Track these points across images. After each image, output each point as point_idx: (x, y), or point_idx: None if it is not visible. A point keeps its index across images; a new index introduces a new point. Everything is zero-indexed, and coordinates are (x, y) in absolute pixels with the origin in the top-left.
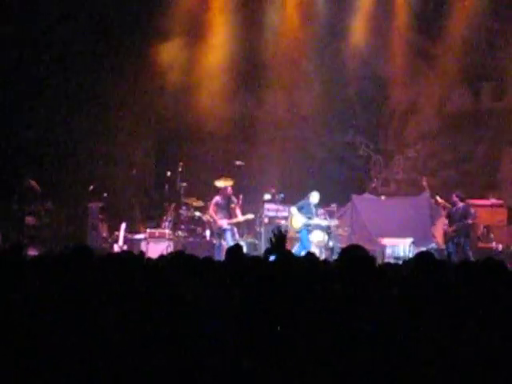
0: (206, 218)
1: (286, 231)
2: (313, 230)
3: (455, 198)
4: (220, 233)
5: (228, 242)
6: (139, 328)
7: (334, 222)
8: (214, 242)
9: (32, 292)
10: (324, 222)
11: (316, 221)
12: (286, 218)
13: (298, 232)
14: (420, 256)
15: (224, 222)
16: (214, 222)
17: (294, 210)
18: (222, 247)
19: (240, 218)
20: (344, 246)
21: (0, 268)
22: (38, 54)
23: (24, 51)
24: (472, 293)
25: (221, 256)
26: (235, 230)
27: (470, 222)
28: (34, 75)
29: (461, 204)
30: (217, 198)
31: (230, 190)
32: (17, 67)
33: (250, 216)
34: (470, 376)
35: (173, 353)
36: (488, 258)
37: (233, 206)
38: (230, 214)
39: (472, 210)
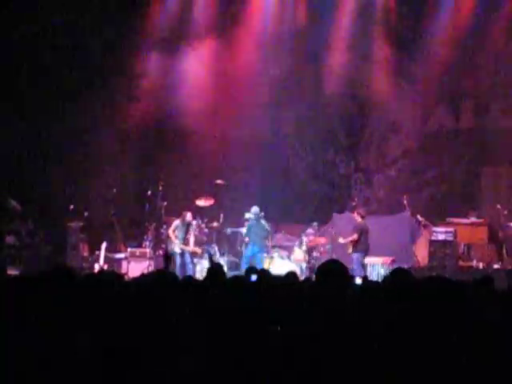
0: (166, 233)
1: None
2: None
3: (356, 215)
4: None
5: (176, 265)
6: (119, 350)
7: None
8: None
9: (11, 312)
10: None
11: None
12: (267, 237)
13: None
14: (395, 272)
15: (177, 247)
16: (170, 242)
17: None
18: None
19: (190, 247)
20: None
21: None
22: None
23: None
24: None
25: None
26: (187, 254)
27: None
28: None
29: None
30: (176, 222)
31: (189, 216)
32: None
33: (198, 250)
34: None
35: (156, 374)
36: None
37: (188, 235)
38: (185, 240)
39: (358, 226)
